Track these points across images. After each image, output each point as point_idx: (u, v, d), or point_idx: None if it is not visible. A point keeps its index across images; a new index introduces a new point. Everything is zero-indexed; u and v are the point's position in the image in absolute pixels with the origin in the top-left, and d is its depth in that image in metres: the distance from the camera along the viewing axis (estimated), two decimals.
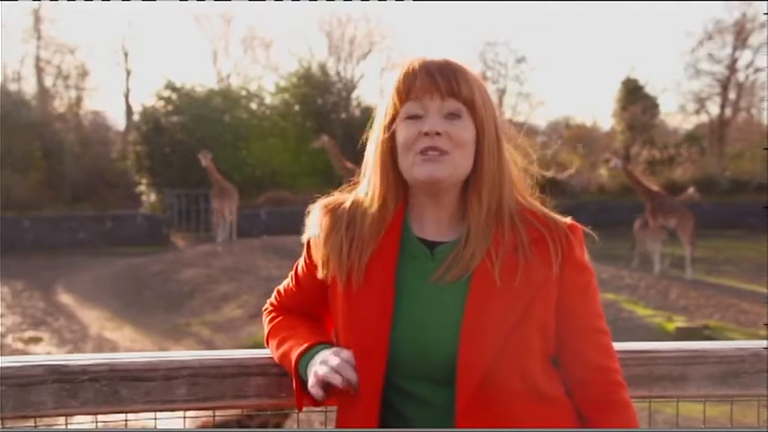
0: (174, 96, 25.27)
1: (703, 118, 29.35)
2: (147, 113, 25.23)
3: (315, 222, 1.54)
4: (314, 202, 1.56)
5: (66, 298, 13.85)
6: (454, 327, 1.39)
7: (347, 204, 1.52)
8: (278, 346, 1.56)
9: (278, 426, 4.10)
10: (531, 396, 1.40)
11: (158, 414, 1.67)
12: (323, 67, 27.82)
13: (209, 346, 9.92)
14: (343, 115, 26.43)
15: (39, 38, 29.26)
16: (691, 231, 14.41)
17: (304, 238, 1.57)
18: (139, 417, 1.68)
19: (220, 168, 18.40)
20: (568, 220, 1.49)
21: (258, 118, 25.89)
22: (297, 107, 26.22)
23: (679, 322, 10.22)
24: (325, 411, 1.68)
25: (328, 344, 1.49)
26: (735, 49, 27.52)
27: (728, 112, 28.59)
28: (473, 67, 1.50)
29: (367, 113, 1.67)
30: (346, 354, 1.43)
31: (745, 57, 28.60)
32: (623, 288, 12.49)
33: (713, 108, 28.70)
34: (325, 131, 19.57)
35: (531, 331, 1.41)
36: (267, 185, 23.31)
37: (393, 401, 1.43)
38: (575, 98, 52.01)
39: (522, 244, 1.43)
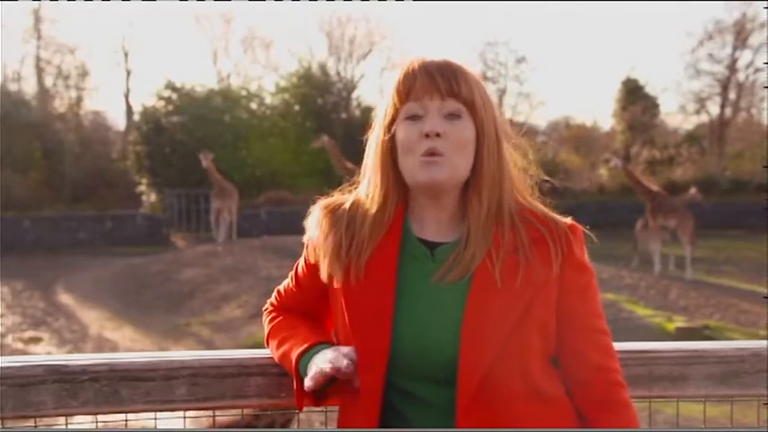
0: (175, 96, 25.29)
1: (703, 118, 29.41)
2: (148, 113, 25.25)
3: (315, 223, 1.54)
4: (314, 202, 1.56)
5: (66, 298, 13.85)
6: (455, 327, 1.39)
7: (347, 205, 1.52)
8: (278, 346, 1.56)
9: (285, 426, 4.08)
10: (531, 396, 1.41)
11: (158, 414, 1.66)
12: (323, 67, 27.83)
13: (209, 346, 9.91)
14: (344, 115, 26.43)
15: (39, 38, 29.31)
16: (691, 231, 14.41)
17: (305, 239, 1.57)
18: (139, 417, 1.68)
19: (220, 168, 18.42)
20: (568, 220, 1.49)
21: (258, 118, 25.90)
22: (297, 107, 26.23)
23: (679, 322, 10.22)
24: (326, 411, 1.68)
25: (329, 344, 1.49)
26: (735, 49, 27.57)
27: (728, 112, 28.62)
28: (473, 67, 1.50)
29: (367, 113, 1.67)
30: (347, 349, 1.43)
31: (745, 57, 28.72)
32: (623, 288, 12.49)
33: (713, 108, 28.77)
34: (326, 131, 19.57)
35: (532, 331, 1.41)
36: (267, 185, 23.32)
37: (394, 402, 1.43)
38: (575, 98, 52.16)
39: (523, 244, 1.43)
